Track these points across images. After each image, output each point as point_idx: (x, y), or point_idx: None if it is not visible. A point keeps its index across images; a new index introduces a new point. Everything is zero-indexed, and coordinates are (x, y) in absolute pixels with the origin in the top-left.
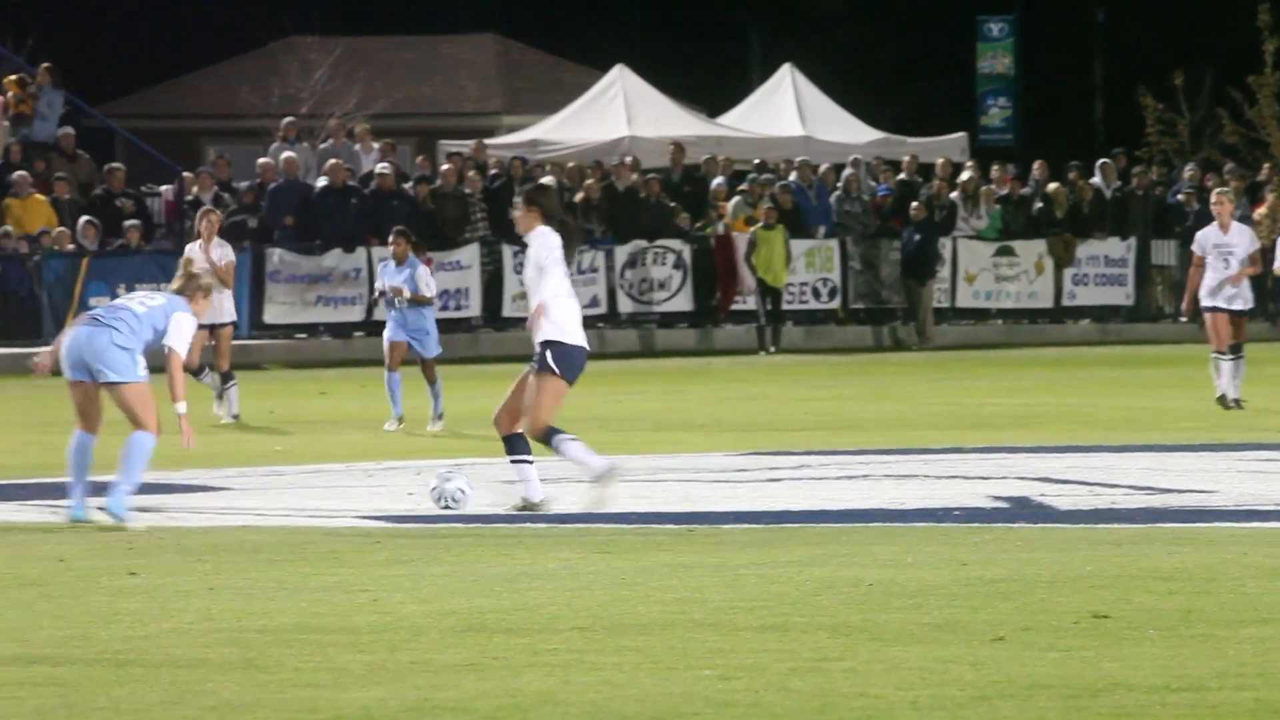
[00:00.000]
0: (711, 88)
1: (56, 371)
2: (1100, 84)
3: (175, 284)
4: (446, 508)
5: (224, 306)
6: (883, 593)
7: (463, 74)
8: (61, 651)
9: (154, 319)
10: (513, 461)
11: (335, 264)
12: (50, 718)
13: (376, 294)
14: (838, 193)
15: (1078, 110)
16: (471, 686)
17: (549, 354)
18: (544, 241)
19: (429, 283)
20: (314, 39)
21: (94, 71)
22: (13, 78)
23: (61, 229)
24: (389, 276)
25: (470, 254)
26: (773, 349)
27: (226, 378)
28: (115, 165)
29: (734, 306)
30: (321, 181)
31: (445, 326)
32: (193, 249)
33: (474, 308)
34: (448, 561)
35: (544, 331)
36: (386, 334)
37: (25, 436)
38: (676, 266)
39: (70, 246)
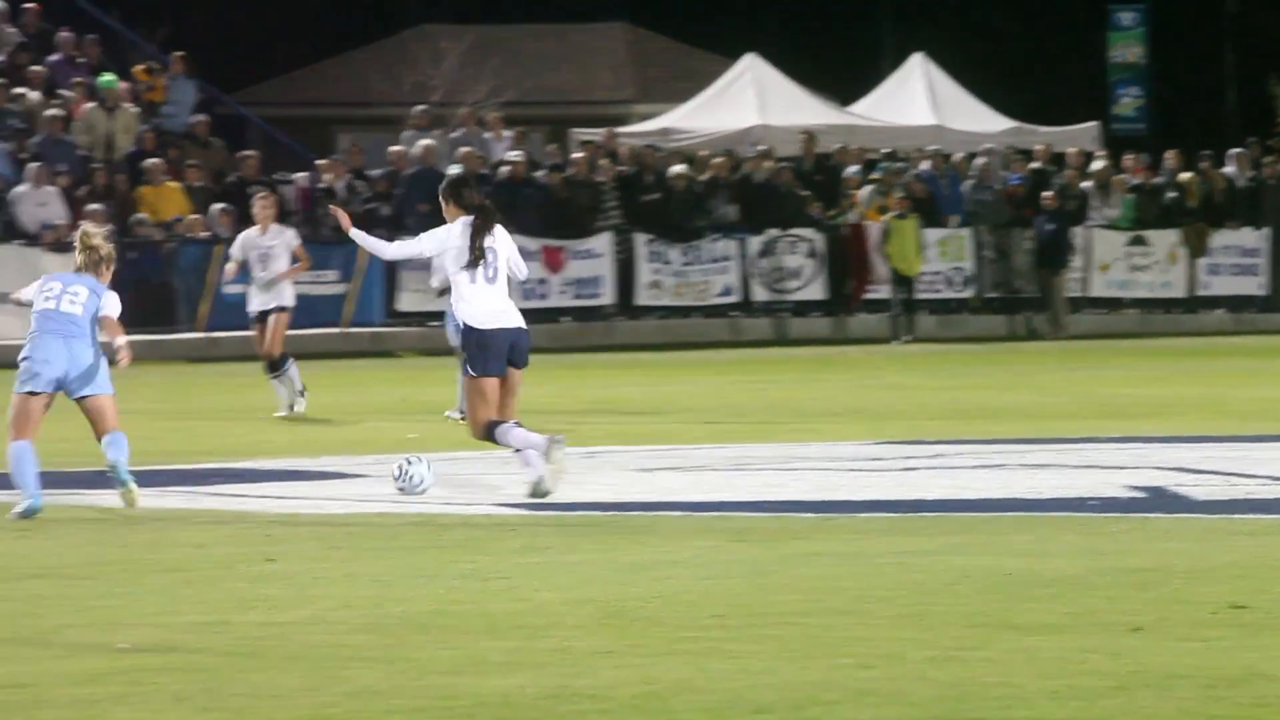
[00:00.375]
0: (842, 76)
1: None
2: (1232, 73)
3: (80, 260)
4: (403, 490)
5: (284, 291)
6: (1020, 582)
7: (594, 62)
8: (201, 638)
9: (90, 315)
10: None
11: None
12: (190, 704)
13: (438, 289)
14: (970, 181)
15: (1209, 99)
16: (610, 674)
17: (463, 360)
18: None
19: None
20: (445, 27)
21: (227, 60)
22: (141, 66)
23: (195, 216)
24: None
25: (603, 242)
26: (907, 338)
27: (281, 362)
28: (248, 153)
29: (867, 295)
30: (454, 169)
31: (578, 315)
32: (249, 234)
33: (607, 296)
34: (584, 549)
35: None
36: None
37: (164, 423)
38: (810, 255)
39: (204, 234)
